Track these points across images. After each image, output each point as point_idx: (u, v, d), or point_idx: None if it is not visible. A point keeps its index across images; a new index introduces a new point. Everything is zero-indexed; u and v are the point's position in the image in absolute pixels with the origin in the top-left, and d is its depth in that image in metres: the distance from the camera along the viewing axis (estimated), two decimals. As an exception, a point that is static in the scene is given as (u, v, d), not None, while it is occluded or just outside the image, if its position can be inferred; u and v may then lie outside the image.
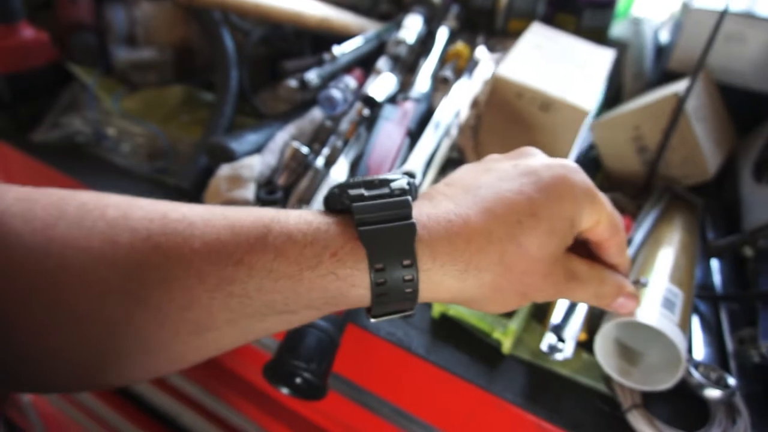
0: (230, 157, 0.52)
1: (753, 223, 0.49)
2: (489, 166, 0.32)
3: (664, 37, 0.76)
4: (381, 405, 0.49)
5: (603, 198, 0.31)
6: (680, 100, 0.51)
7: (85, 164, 0.58)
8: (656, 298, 0.39)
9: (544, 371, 0.42)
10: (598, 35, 0.72)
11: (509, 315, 0.44)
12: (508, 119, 0.52)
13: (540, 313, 0.46)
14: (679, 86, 0.54)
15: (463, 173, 0.32)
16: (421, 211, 0.28)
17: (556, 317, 0.41)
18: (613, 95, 0.68)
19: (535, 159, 0.31)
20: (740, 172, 0.55)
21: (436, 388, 0.43)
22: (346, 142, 0.54)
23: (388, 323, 0.45)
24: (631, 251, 0.45)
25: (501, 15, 0.72)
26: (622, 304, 0.33)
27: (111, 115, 0.59)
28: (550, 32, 0.61)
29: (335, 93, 0.56)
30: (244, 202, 0.50)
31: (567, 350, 0.40)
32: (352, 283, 0.26)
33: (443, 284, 0.28)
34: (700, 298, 0.47)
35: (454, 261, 0.27)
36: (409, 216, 0.27)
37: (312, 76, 0.58)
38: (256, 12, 0.55)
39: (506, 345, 0.43)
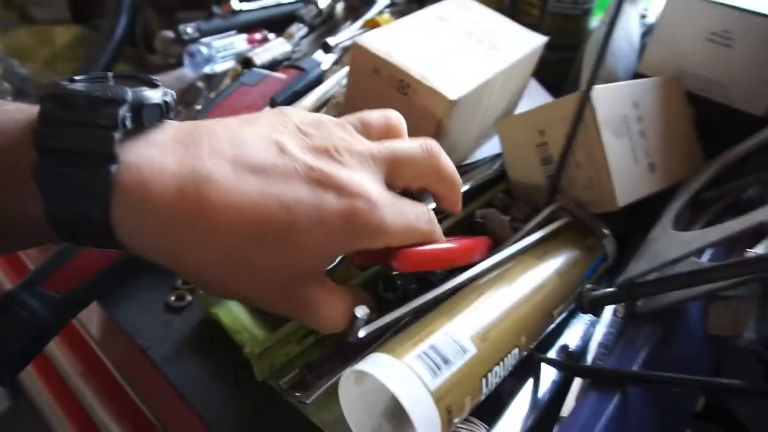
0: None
1: (634, 275, 0.35)
2: (283, 137, 0.25)
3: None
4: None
5: (397, 227, 0.28)
6: (581, 101, 0.39)
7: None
8: (417, 350, 0.29)
9: (300, 417, 0.32)
10: (571, 25, 0.60)
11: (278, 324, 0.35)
12: (366, 100, 0.43)
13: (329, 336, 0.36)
14: (617, 88, 0.42)
15: (253, 123, 0.26)
16: (141, 162, 0.21)
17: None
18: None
19: (346, 156, 0.26)
20: (666, 208, 0.41)
21: (160, 404, 0.36)
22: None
23: (145, 312, 0.38)
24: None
25: (454, -11, 0.61)
26: None
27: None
28: (474, 6, 0.50)
29: (197, 49, 0.49)
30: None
31: (311, 393, 0.31)
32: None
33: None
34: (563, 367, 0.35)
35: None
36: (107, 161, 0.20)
37: (189, 28, 0.52)
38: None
39: (257, 367, 0.34)
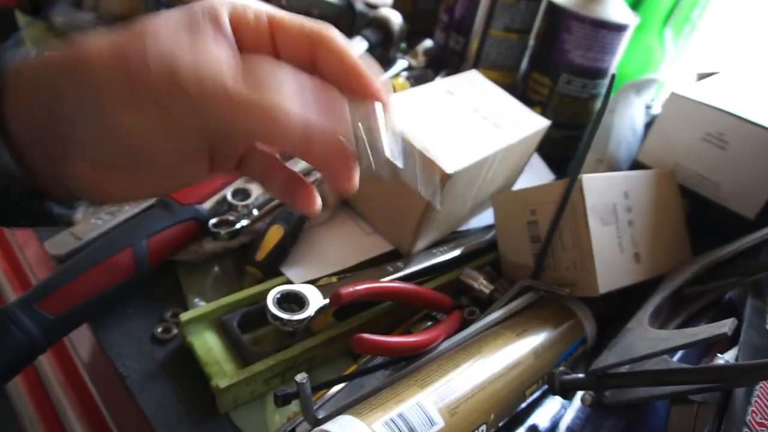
0: None
1: (604, 365, 0.36)
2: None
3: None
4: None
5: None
6: (567, 188, 0.41)
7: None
8: (384, 416, 0.30)
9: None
10: (578, 107, 0.62)
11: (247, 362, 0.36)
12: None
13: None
14: (605, 178, 0.44)
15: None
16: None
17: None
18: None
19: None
20: (645, 302, 0.42)
21: (129, 427, 0.37)
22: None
23: (131, 341, 0.39)
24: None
25: (470, 61, 0.64)
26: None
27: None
28: (482, 83, 0.53)
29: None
30: None
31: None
32: None
33: None
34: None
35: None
36: None
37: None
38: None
39: (220, 400, 0.35)
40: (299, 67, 0.24)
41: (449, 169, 0.41)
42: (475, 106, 0.49)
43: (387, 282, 0.39)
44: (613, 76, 0.41)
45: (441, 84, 0.49)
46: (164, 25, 0.22)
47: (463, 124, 0.46)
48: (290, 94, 0.22)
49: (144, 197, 0.41)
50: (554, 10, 0.59)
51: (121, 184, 0.25)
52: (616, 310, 0.45)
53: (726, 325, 0.28)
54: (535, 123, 0.50)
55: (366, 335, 0.33)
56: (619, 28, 0.57)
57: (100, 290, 0.38)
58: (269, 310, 0.35)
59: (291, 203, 0.27)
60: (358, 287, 0.37)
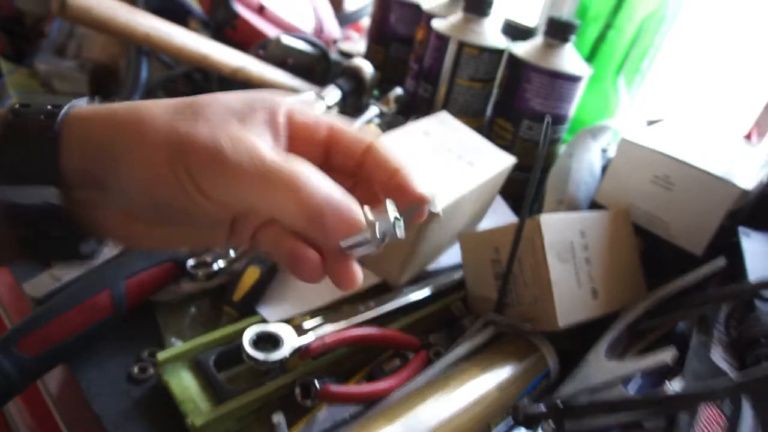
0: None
1: (564, 396, 0.39)
2: None
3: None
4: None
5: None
6: (518, 228, 0.44)
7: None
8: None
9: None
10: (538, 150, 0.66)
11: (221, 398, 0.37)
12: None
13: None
14: (561, 218, 0.47)
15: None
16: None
17: None
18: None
19: None
20: (603, 335, 0.45)
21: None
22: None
23: (107, 380, 0.40)
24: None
25: (437, 107, 0.68)
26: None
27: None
28: (453, 124, 0.56)
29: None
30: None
31: None
32: None
33: None
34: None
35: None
36: None
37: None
38: (148, 42, 0.56)
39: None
40: (345, 169, 0.27)
41: (435, 208, 0.44)
42: (449, 146, 0.52)
43: (355, 331, 0.42)
44: (548, 121, 0.45)
45: (418, 126, 0.53)
46: (220, 110, 0.24)
47: (440, 164, 0.49)
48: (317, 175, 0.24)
49: (167, 249, 0.44)
50: (515, 62, 0.63)
51: (148, 237, 0.27)
52: (577, 343, 0.48)
53: (668, 355, 0.31)
54: (504, 160, 0.54)
55: (333, 387, 0.35)
56: (575, 79, 0.62)
57: (79, 330, 0.39)
58: (245, 350, 0.36)
59: (297, 274, 0.27)
60: (327, 340, 0.39)
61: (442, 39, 0.65)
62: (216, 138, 0.23)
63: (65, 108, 0.24)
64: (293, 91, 0.68)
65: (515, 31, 0.78)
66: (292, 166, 0.23)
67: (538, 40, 0.63)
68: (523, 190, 0.67)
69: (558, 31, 0.61)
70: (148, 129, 0.24)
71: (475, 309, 0.51)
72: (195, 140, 0.23)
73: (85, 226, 0.26)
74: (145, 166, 0.24)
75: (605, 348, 0.43)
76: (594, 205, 0.59)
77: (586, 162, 0.63)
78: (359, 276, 0.26)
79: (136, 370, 0.41)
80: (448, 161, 0.50)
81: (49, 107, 0.24)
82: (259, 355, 0.37)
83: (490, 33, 0.65)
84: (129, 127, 0.24)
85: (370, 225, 0.24)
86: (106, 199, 0.25)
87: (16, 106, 0.25)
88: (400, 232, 0.24)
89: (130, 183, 0.24)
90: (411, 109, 0.71)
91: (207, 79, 0.66)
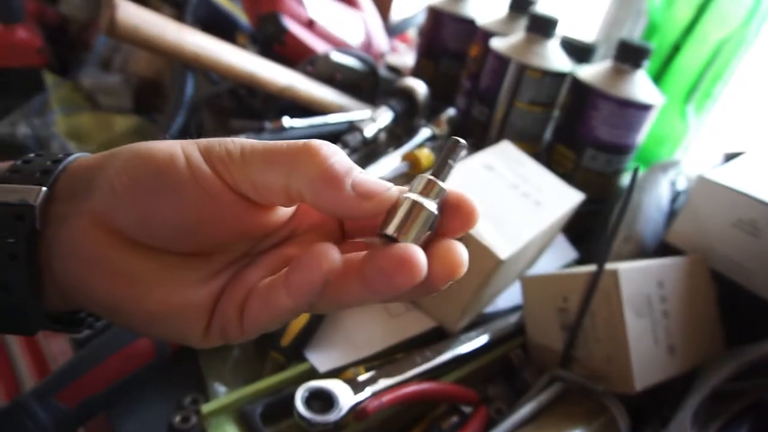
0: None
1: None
2: None
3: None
4: None
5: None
6: (593, 280, 0.40)
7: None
8: None
9: None
10: (602, 181, 0.62)
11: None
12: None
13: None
14: (642, 266, 0.43)
15: None
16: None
17: None
18: (589, 255, 0.57)
19: None
20: (685, 402, 0.41)
21: None
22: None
23: (141, 426, 0.37)
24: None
25: (493, 131, 0.64)
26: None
27: (57, 125, 0.60)
28: (516, 155, 0.52)
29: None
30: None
31: None
32: None
33: None
34: None
35: None
36: None
37: (240, 139, 0.55)
38: (197, 62, 0.54)
39: None
40: None
41: (503, 255, 0.41)
42: (514, 182, 0.48)
43: (412, 387, 0.38)
44: (636, 168, 0.41)
45: (478, 159, 0.49)
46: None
47: (505, 203, 0.46)
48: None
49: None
50: (580, 87, 0.59)
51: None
52: (647, 401, 0.44)
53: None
54: (571, 198, 0.50)
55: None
56: (646, 107, 0.57)
57: (119, 378, 0.37)
58: (297, 411, 0.33)
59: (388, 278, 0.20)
60: (384, 399, 0.36)
61: (502, 60, 0.61)
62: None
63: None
64: (341, 109, 0.65)
65: (573, 49, 0.73)
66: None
67: (606, 63, 0.59)
68: (585, 222, 0.63)
69: (630, 55, 0.56)
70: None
71: (535, 359, 0.47)
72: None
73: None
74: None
75: (690, 416, 0.39)
76: (665, 246, 0.54)
77: (654, 197, 0.58)
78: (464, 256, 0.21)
79: (178, 419, 0.39)
80: (514, 200, 0.47)
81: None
82: (313, 417, 0.34)
83: (553, 55, 0.61)
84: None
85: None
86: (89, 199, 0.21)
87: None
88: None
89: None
90: (464, 132, 0.67)
91: (252, 95, 0.63)
